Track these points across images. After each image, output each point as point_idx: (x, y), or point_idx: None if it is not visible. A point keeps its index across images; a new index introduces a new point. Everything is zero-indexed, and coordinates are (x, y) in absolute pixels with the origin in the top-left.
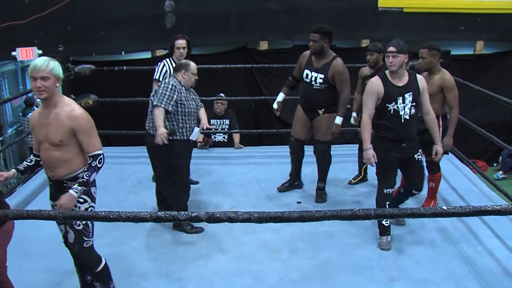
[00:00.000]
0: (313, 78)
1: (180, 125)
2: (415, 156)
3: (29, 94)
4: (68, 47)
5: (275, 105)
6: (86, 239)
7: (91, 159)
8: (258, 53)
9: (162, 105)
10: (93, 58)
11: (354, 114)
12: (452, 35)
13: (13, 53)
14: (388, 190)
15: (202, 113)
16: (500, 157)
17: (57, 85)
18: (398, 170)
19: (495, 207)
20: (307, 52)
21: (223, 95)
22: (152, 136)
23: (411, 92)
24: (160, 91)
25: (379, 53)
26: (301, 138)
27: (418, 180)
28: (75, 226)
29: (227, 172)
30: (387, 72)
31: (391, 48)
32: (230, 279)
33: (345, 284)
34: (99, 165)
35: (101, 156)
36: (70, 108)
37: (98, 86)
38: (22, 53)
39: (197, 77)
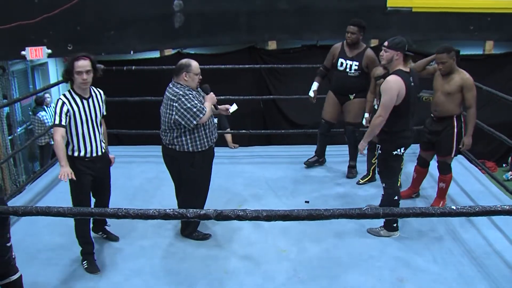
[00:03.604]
0: (348, 66)
1: (202, 133)
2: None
3: (40, 94)
4: (77, 47)
5: (311, 94)
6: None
7: None
8: (266, 53)
9: (200, 117)
10: (102, 58)
11: (366, 115)
12: (462, 35)
13: (23, 52)
14: None
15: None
16: (510, 158)
17: None
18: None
19: (504, 207)
20: (338, 44)
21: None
22: (164, 147)
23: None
24: (186, 107)
25: None
26: (331, 121)
27: None
28: None
29: (235, 171)
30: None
31: (385, 42)
32: (239, 279)
33: (354, 283)
34: None
35: None
36: None
37: (107, 85)
38: (31, 53)
39: (200, 77)
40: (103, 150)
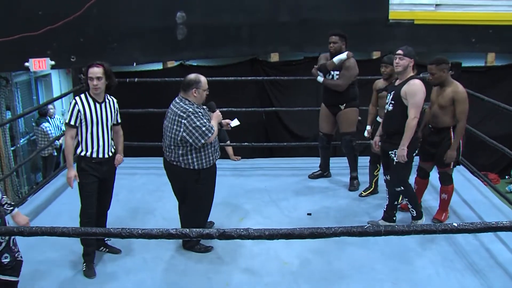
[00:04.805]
0: (333, 76)
1: (208, 151)
2: (389, 152)
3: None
4: (80, 58)
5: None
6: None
7: None
8: (268, 65)
9: (208, 136)
10: None
11: (368, 127)
12: (463, 47)
13: (26, 63)
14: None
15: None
16: None
17: None
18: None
19: (505, 223)
20: (326, 54)
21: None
22: (168, 162)
23: (394, 91)
24: (195, 125)
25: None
26: (328, 132)
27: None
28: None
29: (237, 183)
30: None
31: (399, 51)
32: None
33: None
34: None
35: None
36: None
37: None
38: (35, 64)
39: (208, 92)
40: (111, 154)
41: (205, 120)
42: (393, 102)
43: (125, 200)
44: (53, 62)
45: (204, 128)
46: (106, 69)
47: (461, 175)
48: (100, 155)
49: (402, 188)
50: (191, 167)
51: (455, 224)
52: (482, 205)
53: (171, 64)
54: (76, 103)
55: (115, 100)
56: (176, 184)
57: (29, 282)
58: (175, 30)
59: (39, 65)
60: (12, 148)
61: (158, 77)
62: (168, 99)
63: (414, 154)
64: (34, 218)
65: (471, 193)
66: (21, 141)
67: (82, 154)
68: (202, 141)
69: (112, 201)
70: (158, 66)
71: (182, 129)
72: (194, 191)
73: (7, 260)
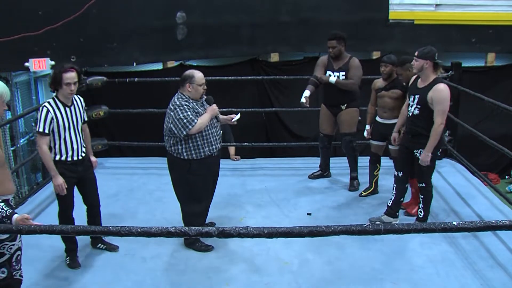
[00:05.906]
0: (336, 77)
1: (197, 143)
2: (414, 151)
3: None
4: (81, 58)
5: (303, 100)
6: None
7: None
8: (269, 65)
9: (189, 128)
10: (105, 69)
11: (367, 127)
12: (463, 47)
13: (26, 64)
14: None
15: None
16: None
17: None
18: None
19: (505, 222)
20: (325, 57)
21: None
22: (167, 152)
23: (419, 95)
24: (178, 117)
25: (393, 65)
26: (329, 133)
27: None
28: None
29: (237, 183)
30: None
31: (416, 52)
32: None
33: None
34: None
35: None
36: None
37: (110, 97)
38: (35, 64)
39: (205, 87)
40: (84, 154)
41: (189, 113)
42: (419, 106)
43: (125, 200)
44: (53, 62)
45: (185, 120)
46: (79, 72)
47: (461, 175)
48: (75, 158)
49: (424, 185)
50: (181, 157)
51: (455, 223)
52: (482, 206)
53: (171, 64)
54: (48, 110)
55: (81, 99)
56: (172, 173)
57: (28, 283)
58: (175, 30)
59: (39, 65)
60: (12, 148)
61: (158, 77)
62: (168, 99)
63: (438, 153)
64: (34, 218)
65: (472, 193)
66: (21, 141)
67: (57, 158)
68: (184, 132)
69: (112, 201)
70: (158, 66)
71: (170, 121)
72: (186, 180)
73: (3, 275)
